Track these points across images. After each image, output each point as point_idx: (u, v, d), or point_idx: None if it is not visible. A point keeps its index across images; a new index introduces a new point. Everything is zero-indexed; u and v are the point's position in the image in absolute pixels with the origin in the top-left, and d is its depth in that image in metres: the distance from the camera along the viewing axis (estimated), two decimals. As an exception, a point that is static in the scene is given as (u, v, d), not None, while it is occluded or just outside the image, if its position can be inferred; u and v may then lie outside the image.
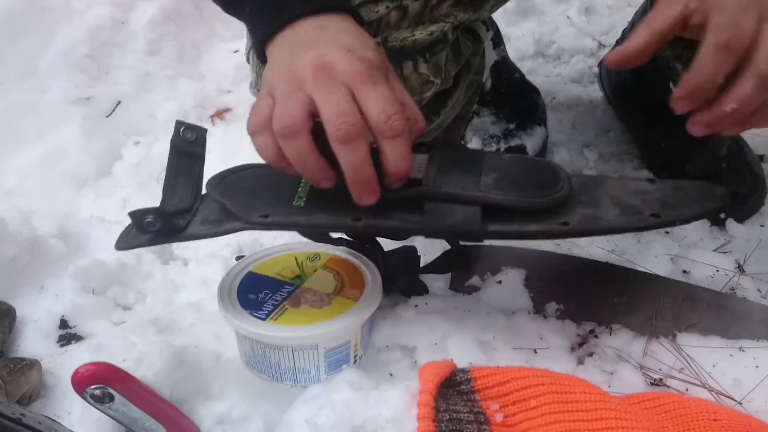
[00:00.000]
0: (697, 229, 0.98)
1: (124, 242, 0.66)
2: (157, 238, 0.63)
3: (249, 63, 0.91)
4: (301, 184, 0.66)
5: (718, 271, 0.86)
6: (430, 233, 0.65)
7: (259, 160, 0.62)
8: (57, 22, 1.43)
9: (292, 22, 0.62)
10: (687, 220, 0.64)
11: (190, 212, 0.65)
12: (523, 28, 1.61)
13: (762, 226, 0.99)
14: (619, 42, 1.24)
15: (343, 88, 0.58)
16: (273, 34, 0.63)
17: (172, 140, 0.66)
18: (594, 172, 1.13)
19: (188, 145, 0.66)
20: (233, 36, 1.54)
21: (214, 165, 1.18)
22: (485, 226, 0.61)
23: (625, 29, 1.24)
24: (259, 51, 0.66)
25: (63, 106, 1.34)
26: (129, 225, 0.66)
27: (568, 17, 1.61)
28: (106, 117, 1.38)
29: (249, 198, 0.65)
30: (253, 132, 0.60)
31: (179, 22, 1.50)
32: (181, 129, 0.66)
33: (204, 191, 0.68)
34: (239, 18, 0.71)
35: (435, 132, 0.92)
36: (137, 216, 0.61)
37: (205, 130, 0.67)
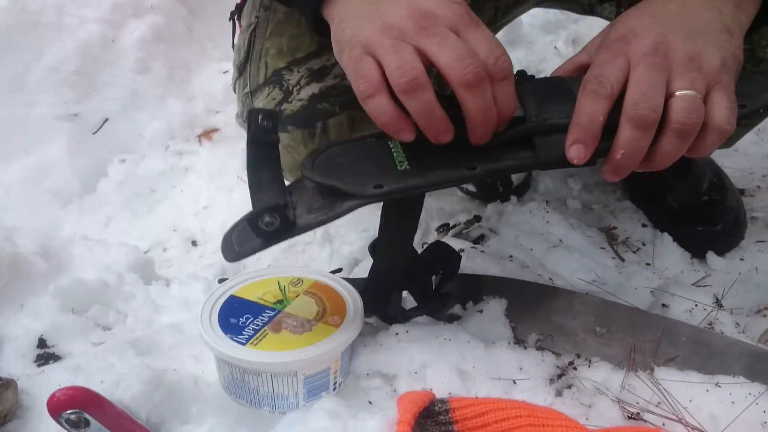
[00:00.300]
0: (678, 262, 1.00)
1: (234, 253, 0.59)
2: (270, 238, 0.58)
3: (235, 92, 0.90)
4: (393, 151, 0.62)
5: (696, 305, 0.86)
6: (545, 165, 0.63)
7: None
8: (47, 37, 1.44)
9: None
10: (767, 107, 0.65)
11: (287, 206, 0.59)
12: (511, 57, 1.63)
13: (741, 259, 1.01)
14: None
15: (452, 33, 0.56)
16: None
17: (252, 133, 0.60)
18: (578, 202, 1.14)
19: (265, 135, 0.61)
20: (223, 56, 1.54)
21: (199, 185, 1.19)
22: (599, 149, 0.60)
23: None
24: (314, 16, 0.64)
25: (50, 121, 1.34)
26: (228, 232, 0.61)
27: (555, 47, 1.63)
28: (93, 134, 1.38)
29: (352, 174, 0.61)
30: (368, 95, 0.57)
31: (169, 41, 1.50)
32: (260, 117, 0.60)
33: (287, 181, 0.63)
34: None
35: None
36: (253, 219, 0.56)
37: (279, 112, 0.63)
